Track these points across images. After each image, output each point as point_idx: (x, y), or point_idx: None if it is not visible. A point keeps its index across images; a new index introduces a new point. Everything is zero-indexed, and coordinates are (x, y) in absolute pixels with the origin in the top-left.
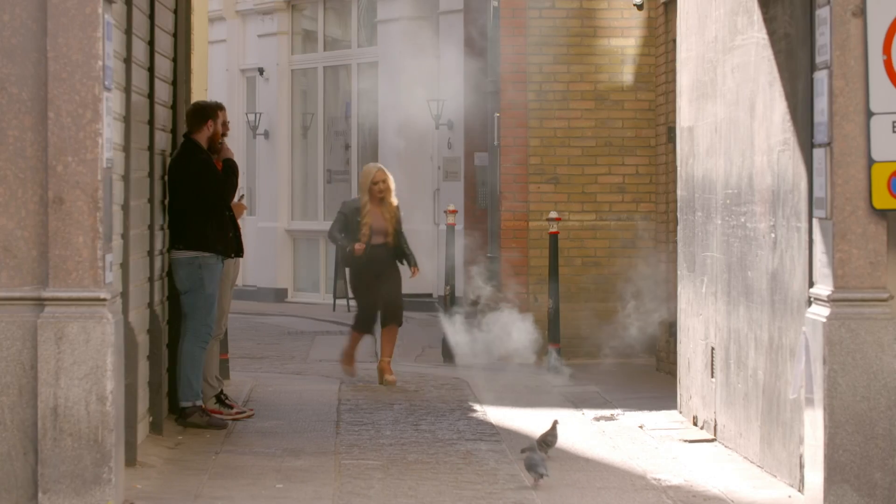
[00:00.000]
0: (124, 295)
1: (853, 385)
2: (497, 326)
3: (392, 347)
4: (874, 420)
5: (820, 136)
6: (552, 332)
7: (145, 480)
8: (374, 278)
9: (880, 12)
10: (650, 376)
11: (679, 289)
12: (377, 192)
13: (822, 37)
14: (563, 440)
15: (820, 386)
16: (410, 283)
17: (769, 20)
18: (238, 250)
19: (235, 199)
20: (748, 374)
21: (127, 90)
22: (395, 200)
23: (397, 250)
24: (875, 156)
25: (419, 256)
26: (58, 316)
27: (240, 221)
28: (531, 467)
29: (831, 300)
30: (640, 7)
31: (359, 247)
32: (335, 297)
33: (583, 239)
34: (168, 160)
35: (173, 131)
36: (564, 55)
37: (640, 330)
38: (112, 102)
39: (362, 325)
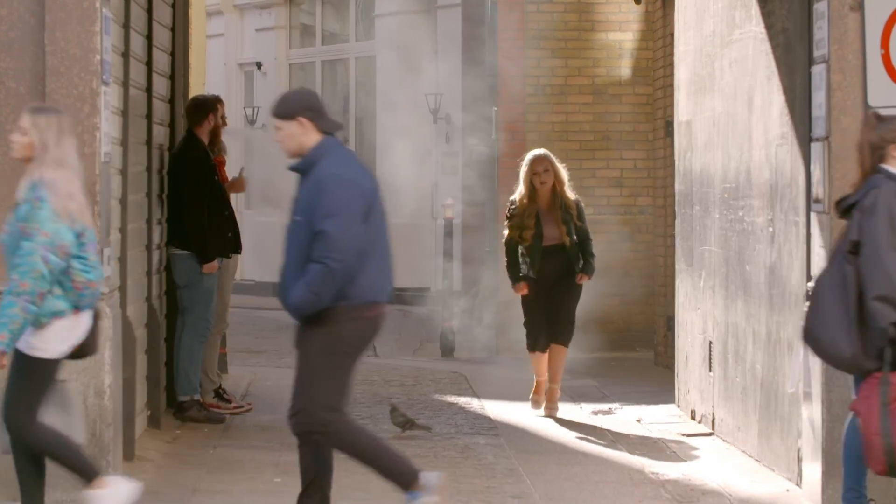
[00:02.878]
0: (122, 289)
1: (851, 379)
2: (494, 320)
3: (558, 372)
4: None
5: (818, 130)
6: None
7: (143, 474)
8: (544, 293)
9: (878, 6)
10: (648, 370)
11: (677, 283)
12: (539, 183)
13: (820, 31)
14: (562, 434)
15: (818, 380)
16: (409, 278)
17: (767, 14)
18: (236, 248)
19: (237, 174)
20: (746, 368)
21: (125, 84)
22: (571, 193)
23: (573, 254)
24: None
25: (416, 252)
26: None
27: (238, 215)
28: (408, 422)
29: None
30: (637, 1)
31: (521, 288)
32: None
33: None
34: (166, 154)
35: (171, 125)
36: (562, 49)
37: (638, 324)
38: (110, 97)
39: (532, 344)
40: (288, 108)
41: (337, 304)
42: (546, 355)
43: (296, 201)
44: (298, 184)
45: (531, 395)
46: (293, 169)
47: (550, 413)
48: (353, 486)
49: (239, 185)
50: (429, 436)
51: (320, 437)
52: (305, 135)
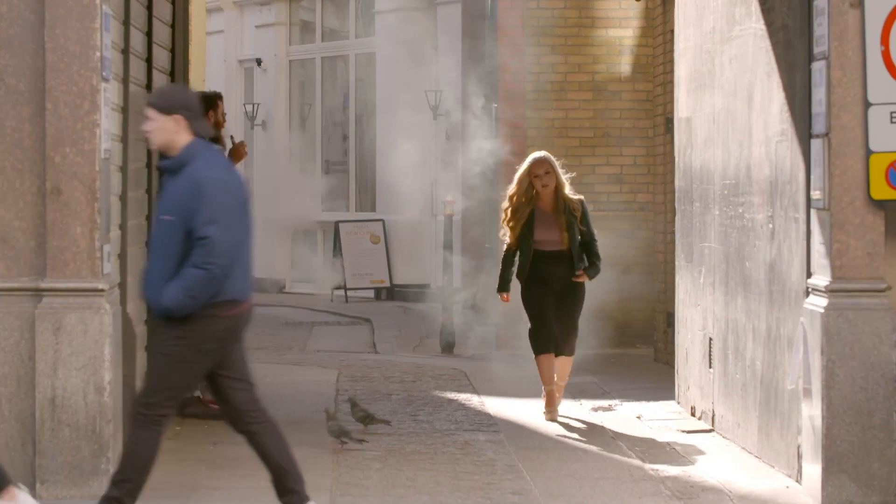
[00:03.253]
0: (122, 286)
1: (851, 375)
2: (494, 317)
3: (565, 376)
4: (872, 410)
5: (818, 126)
6: None
7: None
8: (551, 296)
9: (878, 3)
10: (648, 367)
11: (677, 279)
12: (541, 186)
13: (820, 27)
14: (562, 431)
15: (818, 376)
16: (409, 275)
17: (767, 11)
18: None
19: (228, 143)
20: (746, 364)
21: (125, 81)
22: (573, 195)
23: (577, 258)
24: (873, 146)
25: (417, 248)
26: (56, 307)
27: None
28: (343, 433)
29: (829, 291)
30: None
31: (504, 298)
32: (333, 288)
33: None
34: None
35: None
36: (562, 46)
37: (638, 320)
38: (110, 93)
39: (539, 347)
40: (167, 103)
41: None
42: (553, 359)
43: (163, 200)
44: (165, 182)
45: (544, 406)
46: (161, 167)
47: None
48: (352, 483)
49: (238, 152)
50: (428, 432)
51: (140, 419)
52: (178, 133)
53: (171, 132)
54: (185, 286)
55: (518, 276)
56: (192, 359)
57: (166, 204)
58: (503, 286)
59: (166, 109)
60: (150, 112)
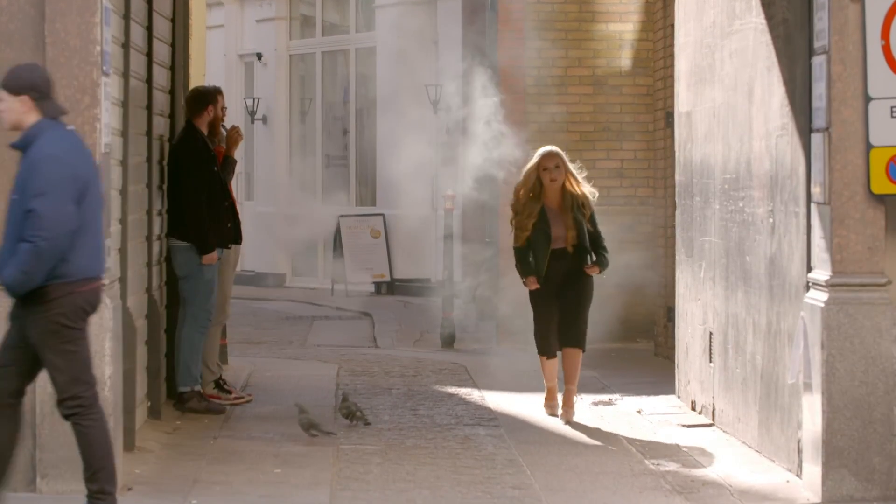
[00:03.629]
0: (122, 280)
1: (851, 370)
2: (495, 311)
3: (572, 374)
4: (872, 405)
5: (818, 121)
6: None
7: (144, 465)
8: (555, 292)
9: None
10: (648, 361)
11: (677, 274)
12: (549, 180)
13: (821, 22)
14: (562, 425)
15: (818, 371)
16: (409, 269)
17: (767, 5)
18: (236, 239)
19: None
20: (746, 358)
21: (125, 75)
22: (580, 190)
23: (583, 254)
24: (873, 141)
25: (417, 243)
26: None
27: (238, 206)
28: (312, 426)
29: (829, 285)
30: None
31: (531, 282)
32: (333, 282)
33: None
34: (166, 145)
35: (171, 116)
36: (563, 40)
37: (639, 315)
38: (110, 87)
39: (542, 348)
40: (15, 84)
41: (50, 282)
42: (556, 360)
43: (15, 179)
44: (20, 162)
45: (544, 401)
46: (13, 146)
47: (567, 417)
48: (353, 477)
49: (232, 138)
50: (429, 426)
51: (77, 411)
52: (26, 113)
53: (18, 113)
54: (17, 261)
55: (538, 271)
56: (73, 338)
57: (15, 183)
58: (527, 273)
59: (14, 90)
60: (1, 93)
